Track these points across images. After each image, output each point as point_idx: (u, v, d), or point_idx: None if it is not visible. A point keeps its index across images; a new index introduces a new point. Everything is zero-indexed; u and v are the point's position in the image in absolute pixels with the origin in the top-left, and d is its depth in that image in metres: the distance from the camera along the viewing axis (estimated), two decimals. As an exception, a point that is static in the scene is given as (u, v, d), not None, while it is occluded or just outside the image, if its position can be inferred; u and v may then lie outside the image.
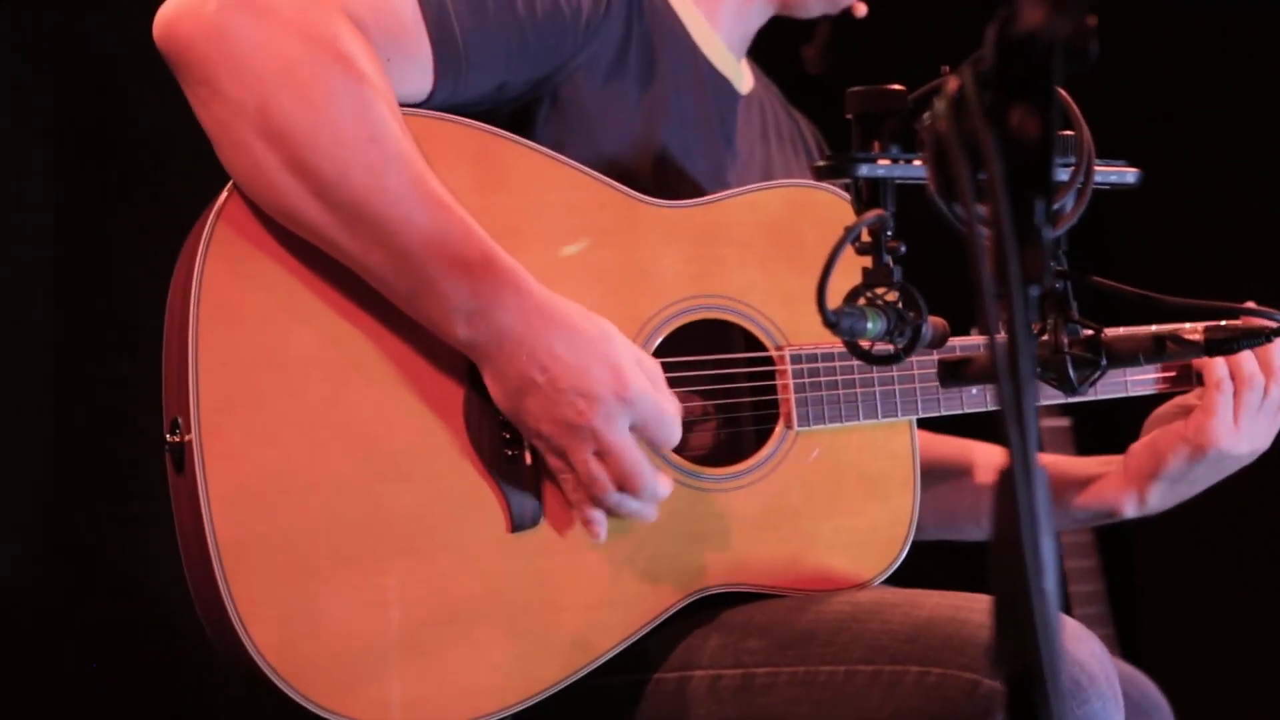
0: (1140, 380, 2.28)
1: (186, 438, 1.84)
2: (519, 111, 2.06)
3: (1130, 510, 2.34)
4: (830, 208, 2.15)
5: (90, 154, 2.75)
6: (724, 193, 2.15)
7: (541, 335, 1.88)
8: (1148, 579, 3.97)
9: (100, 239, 2.75)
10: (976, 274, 1.17)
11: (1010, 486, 1.17)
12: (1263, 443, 2.27)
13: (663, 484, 1.96)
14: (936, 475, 2.50)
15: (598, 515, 1.95)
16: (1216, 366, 2.21)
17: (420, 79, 1.94)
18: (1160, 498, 2.32)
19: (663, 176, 2.15)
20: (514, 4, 2.00)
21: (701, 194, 2.16)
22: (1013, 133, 1.19)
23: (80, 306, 2.75)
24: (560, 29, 2.05)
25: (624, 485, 1.93)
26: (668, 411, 1.95)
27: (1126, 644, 3.54)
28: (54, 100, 2.76)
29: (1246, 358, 2.20)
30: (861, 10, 2.36)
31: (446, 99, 1.97)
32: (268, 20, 1.82)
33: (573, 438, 1.91)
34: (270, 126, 1.82)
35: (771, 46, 2.46)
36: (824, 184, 2.14)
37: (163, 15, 1.85)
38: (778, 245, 2.13)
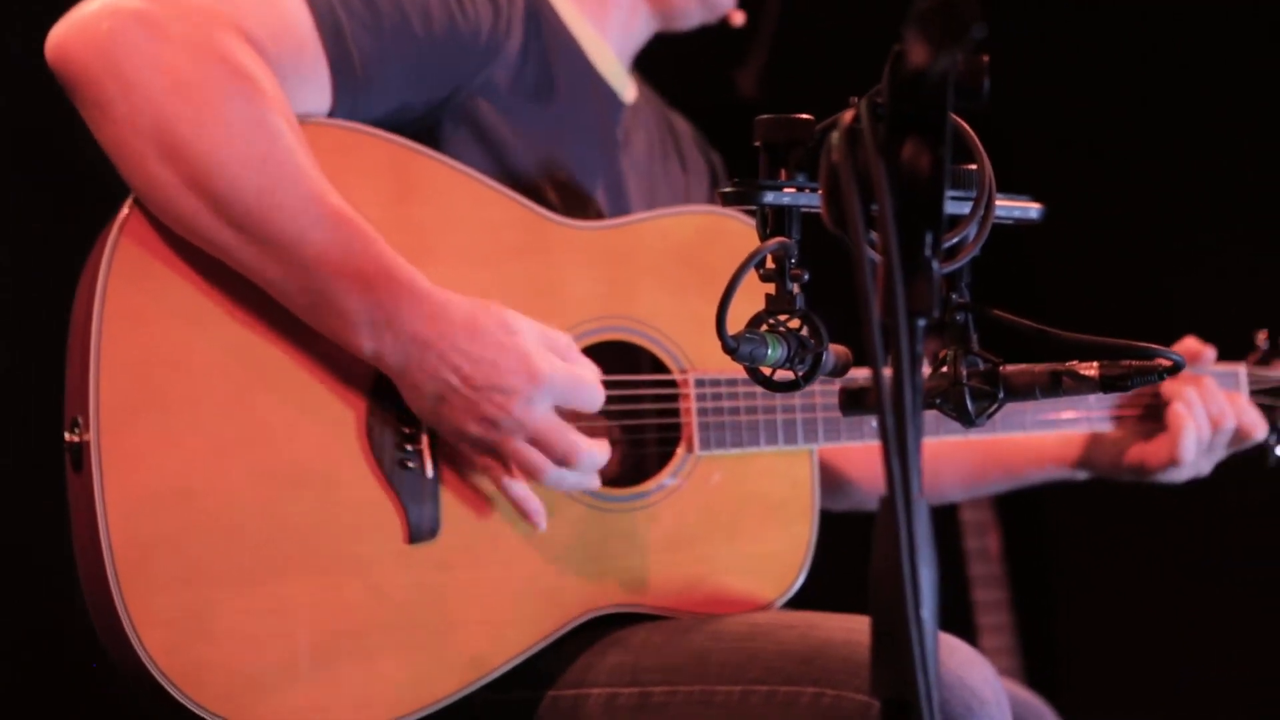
0: (1101, 418, 2.41)
1: (85, 437, 1.83)
2: (422, 131, 2.06)
3: (1080, 476, 2.52)
4: (740, 236, 2.17)
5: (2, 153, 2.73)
6: (636, 215, 2.18)
7: (446, 338, 1.89)
8: (1060, 607, 4.01)
9: (13, 237, 2.73)
10: (864, 305, 1.18)
11: (890, 516, 1.18)
12: (1205, 468, 2.44)
13: (600, 450, 1.98)
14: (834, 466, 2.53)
15: (536, 505, 1.97)
16: (1177, 408, 2.37)
17: (318, 99, 1.95)
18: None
19: (563, 190, 2.17)
20: (411, 25, 2.01)
21: (600, 207, 2.19)
22: (905, 166, 1.21)
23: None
24: (459, 49, 2.07)
25: (563, 461, 1.95)
26: (585, 380, 1.97)
27: (1034, 671, 3.58)
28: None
29: (1212, 396, 2.36)
30: (739, 19, 2.39)
31: (347, 118, 1.98)
32: (160, 38, 1.82)
33: (500, 432, 1.92)
34: (164, 144, 1.82)
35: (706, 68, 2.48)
36: (734, 211, 2.16)
37: (54, 35, 1.84)
38: (687, 271, 2.15)
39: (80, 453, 1.84)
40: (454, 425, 1.92)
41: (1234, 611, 3.71)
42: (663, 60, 2.56)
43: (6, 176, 2.73)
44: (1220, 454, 2.42)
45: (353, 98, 1.97)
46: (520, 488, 1.97)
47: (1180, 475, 2.41)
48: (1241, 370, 2.47)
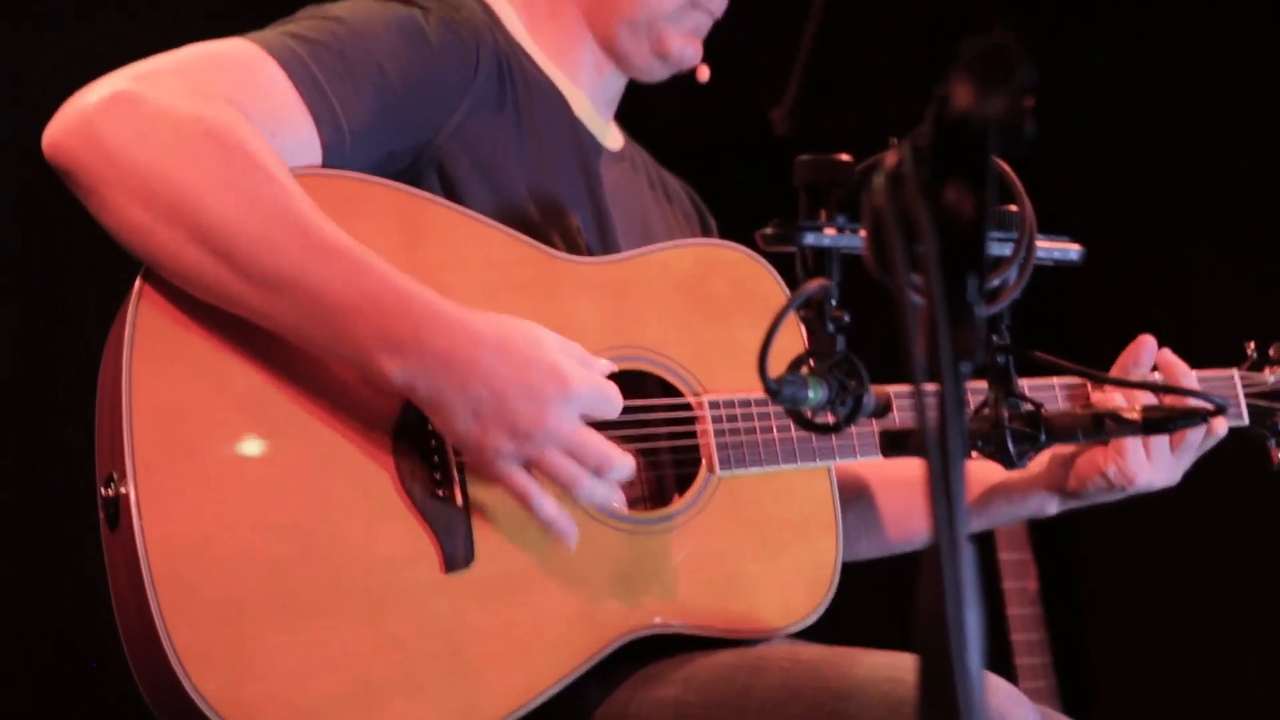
0: None
1: (122, 490, 1.84)
2: (410, 181, 2.08)
3: (1052, 510, 2.42)
4: (739, 265, 2.22)
5: (45, 209, 2.77)
6: (637, 250, 2.21)
7: (472, 354, 1.89)
8: (1098, 648, 3.99)
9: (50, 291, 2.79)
10: (908, 350, 1.18)
11: (936, 560, 1.18)
12: (1176, 476, 2.33)
13: (628, 461, 1.98)
14: (860, 495, 2.51)
15: (567, 525, 1.97)
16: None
17: (308, 154, 1.98)
18: (1074, 505, 2.41)
19: (551, 225, 2.18)
20: (386, 74, 2.04)
21: (584, 241, 2.20)
22: (948, 210, 1.21)
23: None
24: (435, 90, 2.09)
25: (597, 470, 1.95)
26: (607, 387, 1.98)
27: (1072, 711, 3.56)
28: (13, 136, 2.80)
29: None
30: (704, 75, 2.38)
31: (338, 168, 2.01)
32: (142, 113, 1.86)
33: (534, 445, 1.92)
34: (160, 206, 1.85)
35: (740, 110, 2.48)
36: (730, 243, 2.22)
37: (47, 131, 1.89)
38: (691, 300, 2.18)
39: (117, 506, 1.85)
40: (488, 442, 1.91)
41: (1276, 656, 3.68)
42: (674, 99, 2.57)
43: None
44: (1189, 458, 2.32)
45: (340, 149, 2.00)
46: (551, 507, 1.96)
47: (1144, 484, 2.29)
48: (1235, 372, 2.44)
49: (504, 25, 2.26)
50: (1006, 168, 1.58)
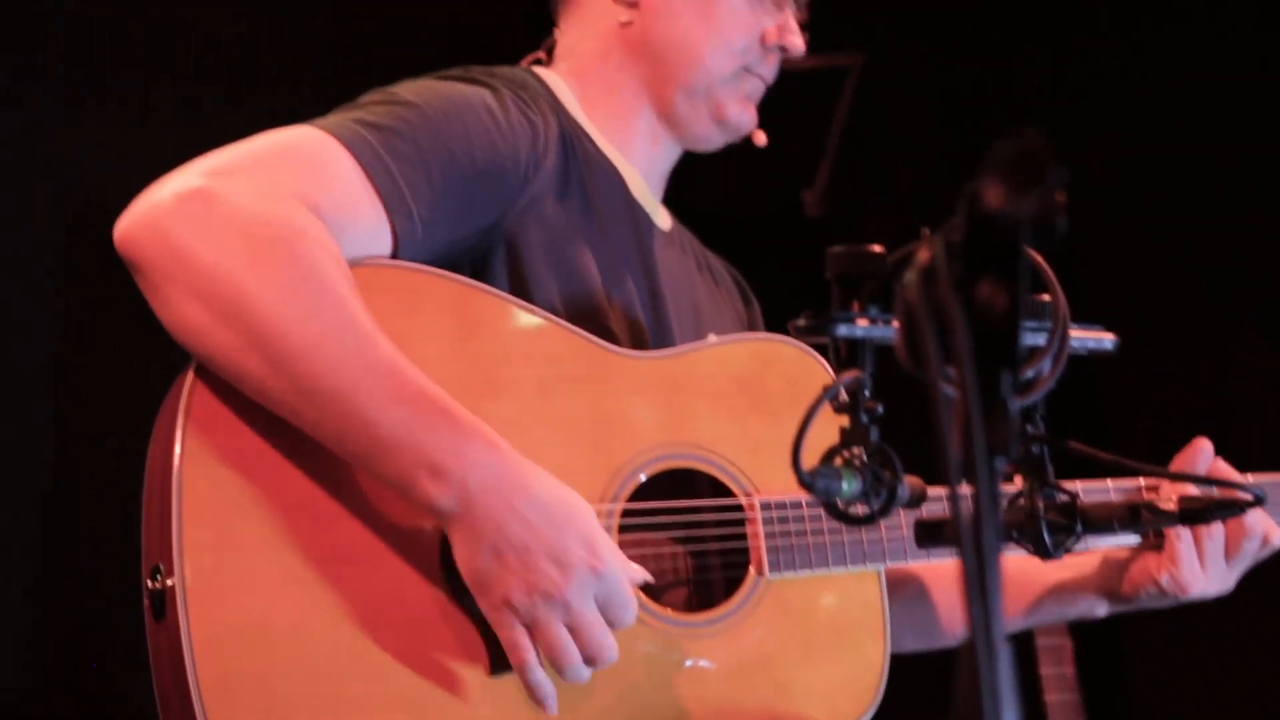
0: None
1: (169, 582, 1.84)
2: (477, 261, 2.09)
3: (1101, 613, 2.40)
4: (795, 361, 2.19)
5: (94, 286, 2.81)
6: (691, 345, 2.20)
7: (515, 501, 1.88)
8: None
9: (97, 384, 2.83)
10: (942, 446, 1.17)
11: (973, 661, 1.17)
12: (1230, 584, 2.30)
13: (615, 655, 1.94)
14: (909, 587, 2.49)
15: (550, 691, 1.93)
16: None
17: (379, 244, 1.98)
18: (1124, 609, 2.39)
19: (610, 306, 2.18)
20: (455, 159, 2.04)
21: (643, 323, 2.20)
22: (980, 306, 1.20)
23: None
24: (502, 174, 2.10)
25: (590, 660, 1.92)
26: (629, 592, 1.94)
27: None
28: (62, 222, 2.85)
29: None
30: (761, 139, 2.39)
31: (407, 257, 2.01)
32: (213, 213, 1.87)
33: (544, 609, 1.89)
34: (220, 308, 1.86)
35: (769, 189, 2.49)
36: (786, 338, 2.18)
37: (119, 225, 1.90)
38: (745, 396, 2.16)
39: (163, 599, 1.85)
40: (500, 588, 1.88)
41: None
42: (714, 175, 2.58)
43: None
44: (1243, 567, 2.29)
45: (411, 238, 2.00)
46: (541, 676, 1.92)
47: (1198, 594, 2.27)
48: None
49: (562, 103, 2.27)
50: (1039, 258, 1.58)
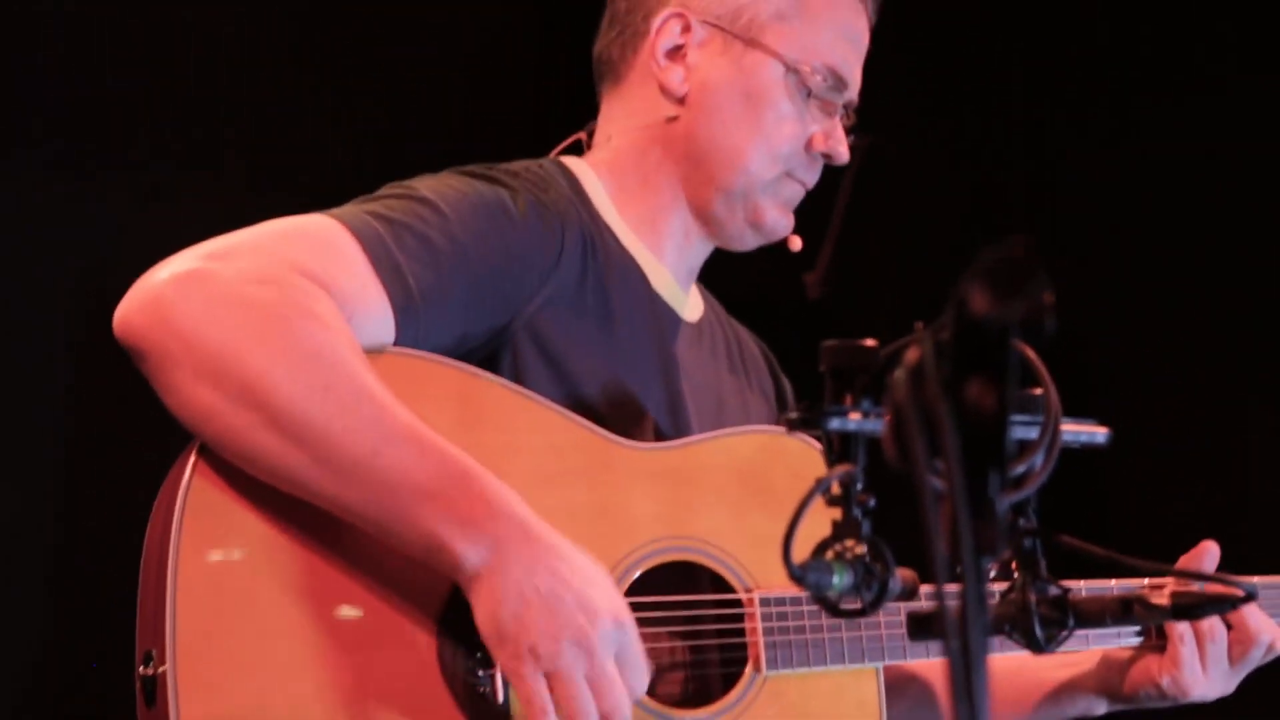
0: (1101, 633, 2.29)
1: (160, 669, 1.84)
2: (485, 358, 2.08)
3: (1099, 712, 2.39)
4: (800, 455, 2.16)
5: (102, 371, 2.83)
6: (697, 436, 2.18)
7: (539, 551, 1.88)
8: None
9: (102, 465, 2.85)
10: (929, 545, 1.18)
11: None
12: (1230, 686, 2.30)
13: (629, 716, 1.93)
14: (909, 682, 2.48)
15: None
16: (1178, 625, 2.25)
17: (381, 333, 1.97)
18: (1122, 708, 2.38)
19: (622, 410, 2.17)
20: (468, 257, 2.03)
21: (657, 427, 2.19)
22: (969, 405, 1.21)
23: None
24: (516, 276, 2.09)
25: (605, 717, 1.90)
26: (645, 661, 1.94)
27: None
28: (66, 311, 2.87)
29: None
30: (796, 244, 2.37)
31: (410, 348, 2.00)
32: (217, 294, 1.87)
33: (571, 656, 1.87)
34: (232, 390, 1.85)
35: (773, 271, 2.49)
36: (793, 432, 2.16)
37: (119, 310, 1.89)
38: (749, 490, 2.15)
39: (154, 685, 1.85)
40: (525, 637, 1.87)
41: None
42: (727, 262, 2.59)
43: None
44: (1245, 670, 2.30)
45: (414, 331, 1.99)
46: None
47: (1199, 696, 2.27)
48: None
49: (590, 199, 2.25)
50: (1031, 353, 1.58)
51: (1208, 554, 2.26)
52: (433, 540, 1.87)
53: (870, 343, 1.60)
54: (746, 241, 2.36)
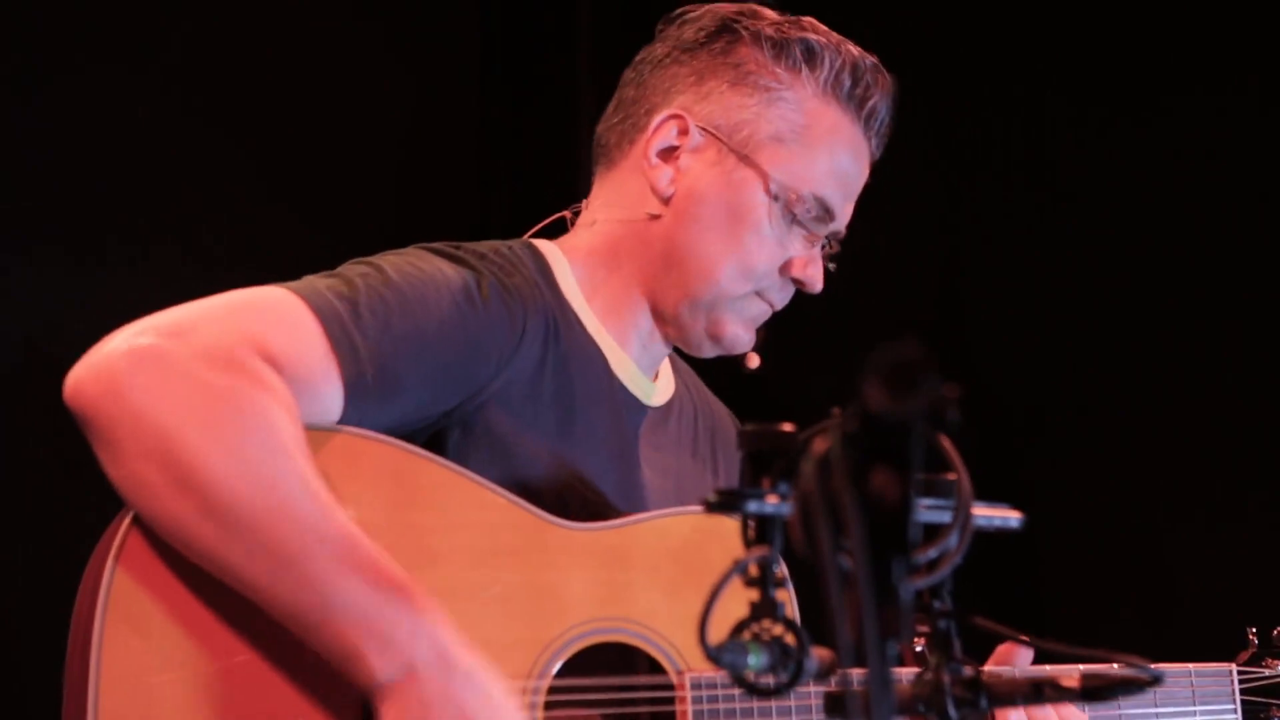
0: None
1: None
2: (432, 437, 2.09)
3: None
4: (736, 534, 2.15)
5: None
6: (633, 516, 2.19)
7: (452, 681, 1.88)
8: None
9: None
10: (835, 632, 1.21)
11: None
12: None
13: None
14: None
15: None
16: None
17: (330, 409, 1.98)
18: None
19: (573, 494, 2.18)
20: (426, 343, 2.05)
21: (612, 510, 2.19)
22: (875, 494, 1.25)
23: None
24: (471, 365, 2.10)
25: None
26: None
27: None
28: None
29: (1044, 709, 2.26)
30: (754, 362, 2.37)
31: (357, 425, 2.01)
32: (171, 374, 1.87)
33: None
34: (176, 475, 1.85)
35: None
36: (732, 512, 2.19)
37: (71, 376, 1.89)
38: (684, 570, 2.16)
39: None
40: None
41: None
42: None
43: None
44: None
45: (363, 410, 2.00)
46: None
47: None
48: (1231, 667, 2.44)
49: (558, 283, 2.26)
50: (945, 441, 1.62)
51: (1019, 653, 2.27)
52: (350, 651, 1.87)
53: (788, 427, 1.64)
54: (704, 350, 2.38)
